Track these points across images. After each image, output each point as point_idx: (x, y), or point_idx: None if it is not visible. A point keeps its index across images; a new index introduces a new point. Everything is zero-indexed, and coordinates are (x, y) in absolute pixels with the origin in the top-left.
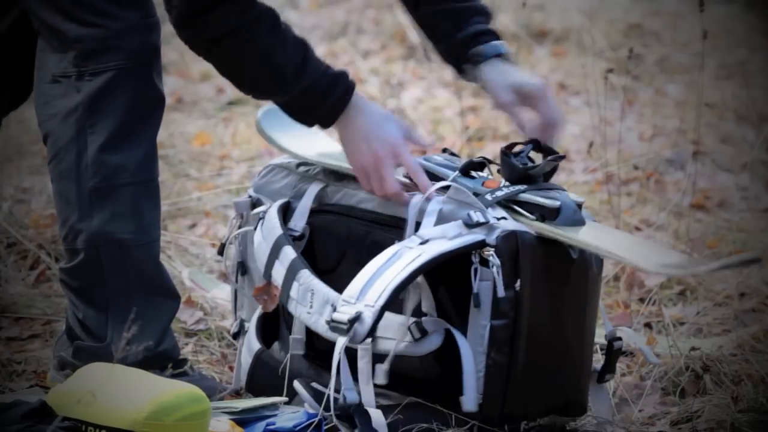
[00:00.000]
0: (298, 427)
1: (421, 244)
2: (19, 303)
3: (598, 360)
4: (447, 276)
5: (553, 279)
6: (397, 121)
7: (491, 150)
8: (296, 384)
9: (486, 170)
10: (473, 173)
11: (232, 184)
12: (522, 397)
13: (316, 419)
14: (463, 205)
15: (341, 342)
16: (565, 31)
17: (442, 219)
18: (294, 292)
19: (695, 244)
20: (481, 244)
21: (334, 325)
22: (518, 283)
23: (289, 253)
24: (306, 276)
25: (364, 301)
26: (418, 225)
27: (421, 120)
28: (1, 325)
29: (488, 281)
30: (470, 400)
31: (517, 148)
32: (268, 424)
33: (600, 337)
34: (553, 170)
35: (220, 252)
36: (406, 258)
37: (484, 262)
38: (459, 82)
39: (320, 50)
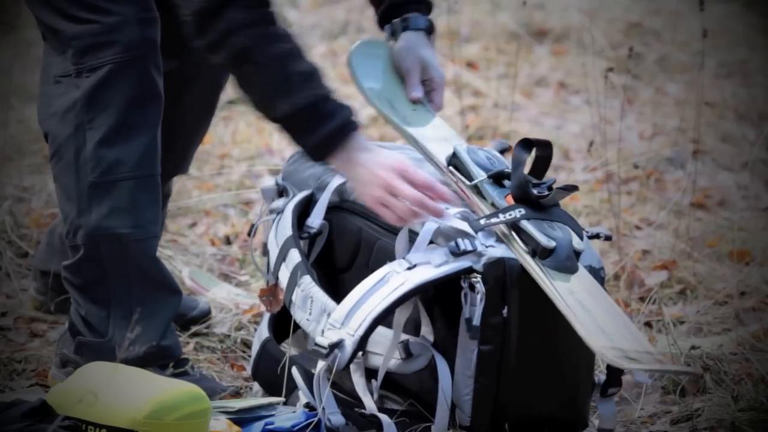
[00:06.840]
0: (297, 427)
1: (408, 269)
2: (19, 301)
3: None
4: (442, 298)
5: (547, 300)
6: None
7: None
8: (294, 371)
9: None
10: (505, 182)
11: (232, 183)
12: (513, 416)
13: (315, 419)
14: (458, 229)
15: (320, 366)
16: (565, 29)
17: (439, 235)
18: (296, 296)
19: (695, 242)
20: (469, 271)
21: (315, 348)
22: (505, 310)
23: (294, 256)
24: (307, 282)
25: (347, 328)
26: (413, 234)
27: None
28: (1, 324)
29: (476, 306)
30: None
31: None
32: (266, 424)
33: None
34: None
35: (249, 234)
36: (391, 285)
37: (473, 288)
38: (459, 82)
39: (320, 49)
